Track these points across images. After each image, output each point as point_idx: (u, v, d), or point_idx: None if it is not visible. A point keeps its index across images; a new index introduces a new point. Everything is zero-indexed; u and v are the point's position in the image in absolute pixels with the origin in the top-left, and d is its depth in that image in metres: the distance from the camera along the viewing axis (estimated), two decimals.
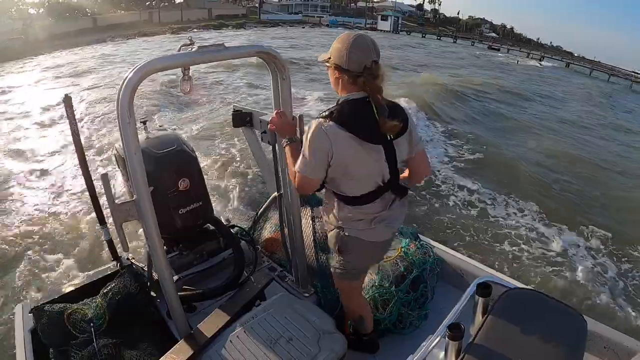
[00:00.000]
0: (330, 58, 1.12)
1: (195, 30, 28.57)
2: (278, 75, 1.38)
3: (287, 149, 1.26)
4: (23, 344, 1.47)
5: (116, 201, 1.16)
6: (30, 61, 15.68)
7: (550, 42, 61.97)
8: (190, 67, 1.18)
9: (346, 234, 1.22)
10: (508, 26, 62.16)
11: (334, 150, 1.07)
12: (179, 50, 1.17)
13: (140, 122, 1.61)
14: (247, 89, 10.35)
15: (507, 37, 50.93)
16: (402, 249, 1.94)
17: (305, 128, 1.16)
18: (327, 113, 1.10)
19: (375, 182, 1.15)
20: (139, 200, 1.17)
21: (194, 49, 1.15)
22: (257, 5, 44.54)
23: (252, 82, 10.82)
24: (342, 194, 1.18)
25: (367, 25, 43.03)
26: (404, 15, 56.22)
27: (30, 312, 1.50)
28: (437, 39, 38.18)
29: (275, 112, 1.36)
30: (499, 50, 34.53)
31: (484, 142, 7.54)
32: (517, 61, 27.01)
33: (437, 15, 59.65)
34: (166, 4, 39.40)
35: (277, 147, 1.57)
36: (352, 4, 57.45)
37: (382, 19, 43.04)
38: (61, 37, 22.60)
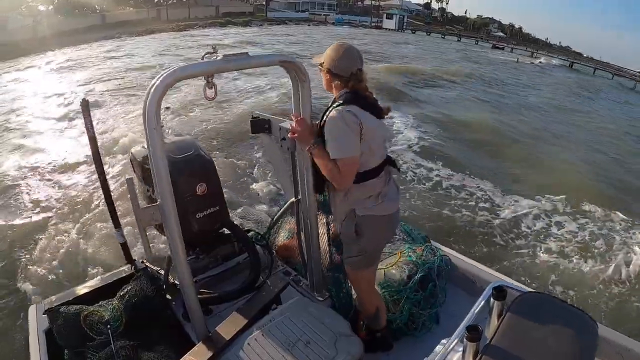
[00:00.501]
0: (323, 63, 1.33)
1: (200, 27, 28.67)
2: (299, 83, 1.40)
3: (315, 152, 1.30)
4: (37, 344, 1.47)
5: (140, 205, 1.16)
6: (40, 57, 15.90)
7: (559, 42, 61.19)
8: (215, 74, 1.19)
9: (359, 214, 1.34)
10: (516, 26, 61.56)
11: (363, 125, 1.24)
12: (202, 58, 1.18)
13: None
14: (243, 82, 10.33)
15: (515, 37, 50.30)
16: (405, 253, 1.95)
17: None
18: (341, 102, 1.27)
19: (382, 153, 1.36)
20: (163, 205, 1.17)
21: (218, 58, 1.16)
22: (264, 3, 44.58)
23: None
24: (360, 172, 1.30)
25: (373, 24, 42.86)
26: (411, 13, 55.86)
27: (44, 314, 1.51)
28: (442, 37, 38.14)
29: (296, 119, 1.37)
30: (503, 49, 34.40)
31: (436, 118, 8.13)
32: (517, 59, 26.86)
33: (445, 14, 59.13)
34: (174, 1, 39.61)
35: (295, 154, 1.56)
36: (359, 2, 57.18)
37: (387, 18, 42.85)
38: (70, 34, 22.83)
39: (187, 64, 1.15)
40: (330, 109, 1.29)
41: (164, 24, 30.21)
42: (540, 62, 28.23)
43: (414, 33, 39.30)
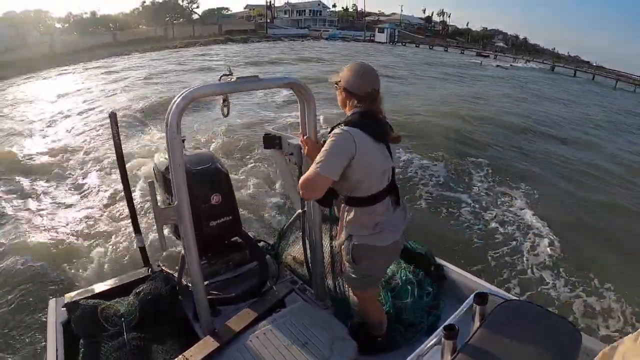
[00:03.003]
0: (340, 81, 1.34)
1: (201, 45, 29.72)
2: (305, 105, 1.52)
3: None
4: (55, 334, 1.57)
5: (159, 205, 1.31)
6: (57, 70, 16.72)
7: (568, 52, 60.68)
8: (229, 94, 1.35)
9: (355, 242, 1.32)
10: (521, 37, 61.87)
11: (358, 151, 1.21)
12: (219, 80, 1.34)
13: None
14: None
15: (518, 48, 50.51)
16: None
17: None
18: (346, 121, 1.28)
19: (384, 179, 1.32)
20: (179, 206, 1.32)
21: (232, 79, 1.32)
22: (267, 21, 45.88)
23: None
24: (356, 197, 1.30)
25: (367, 38, 43.82)
26: (413, 27, 56.89)
27: (63, 307, 1.62)
28: (430, 48, 39.59)
29: (303, 138, 1.50)
30: (488, 56, 35.71)
31: None
32: (481, 62, 29.03)
33: (446, 27, 59.86)
34: (183, 20, 41.10)
35: (302, 168, 1.66)
36: (359, 19, 58.32)
37: (379, 31, 43.70)
38: (84, 51, 24.08)
39: (205, 84, 1.32)
40: (336, 126, 1.30)
41: (170, 41, 31.33)
42: (512, 64, 29.68)
43: (405, 45, 40.36)
